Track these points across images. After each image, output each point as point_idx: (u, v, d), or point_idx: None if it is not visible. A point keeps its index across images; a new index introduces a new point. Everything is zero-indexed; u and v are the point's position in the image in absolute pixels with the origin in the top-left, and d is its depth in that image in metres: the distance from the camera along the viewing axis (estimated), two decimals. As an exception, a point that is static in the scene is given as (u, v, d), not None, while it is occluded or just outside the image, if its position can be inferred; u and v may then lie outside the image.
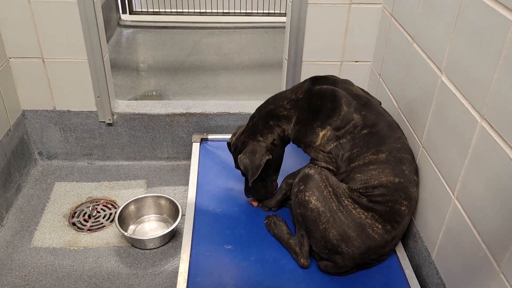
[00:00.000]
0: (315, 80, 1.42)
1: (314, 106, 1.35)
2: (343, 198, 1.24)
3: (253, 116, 1.47)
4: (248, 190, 1.52)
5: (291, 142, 1.44)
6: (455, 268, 1.15)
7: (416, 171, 1.32)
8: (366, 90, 1.85)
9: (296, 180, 1.31)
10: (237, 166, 1.51)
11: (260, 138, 1.41)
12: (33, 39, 1.73)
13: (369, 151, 1.27)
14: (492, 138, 0.99)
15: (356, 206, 1.24)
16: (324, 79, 1.42)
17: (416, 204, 1.35)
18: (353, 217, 1.23)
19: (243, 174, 1.50)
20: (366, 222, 1.23)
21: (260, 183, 1.48)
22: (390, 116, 1.39)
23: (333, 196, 1.24)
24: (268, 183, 1.50)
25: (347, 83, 1.43)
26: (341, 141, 1.32)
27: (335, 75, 1.48)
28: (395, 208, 1.24)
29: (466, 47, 1.09)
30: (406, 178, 1.26)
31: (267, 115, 1.42)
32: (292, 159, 1.58)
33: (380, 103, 1.49)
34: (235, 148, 1.49)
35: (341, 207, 1.23)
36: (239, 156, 1.43)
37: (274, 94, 1.48)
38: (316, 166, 1.31)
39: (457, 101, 1.13)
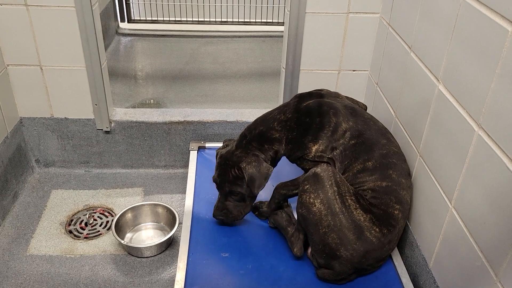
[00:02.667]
0: (301, 97, 1.45)
1: (304, 123, 1.37)
2: (346, 197, 1.25)
3: (244, 135, 1.43)
4: (220, 210, 1.45)
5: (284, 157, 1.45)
6: (452, 277, 1.15)
7: (405, 175, 1.33)
8: (363, 99, 1.88)
9: (304, 178, 1.31)
10: (216, 179, 1.44)
11: (257, 153, 1.40)
12: (31, 47, 1.74)
13: (357, 161, 1.32)
14: (489, 147, 0.99)
15: (357, 206, 1.25)
16: (310, 95, 1.45)
17: (409, 208, 1.36)
18: (353, 219, 1.24)
19: (218, 187, 1.44)
20: (364, 224, 1.24)
21: (238, 203, 1.44)
22: (378, 122, 1.42)
23: (337, 197, 1.24)
24: (247, 204, 1.45)
25: (332, 95, 1.46)
26: (334, 153, 1.35)
27: (322, 88, 1.50)
28: (388, 211, 1.26)
29: (463, 56, 1.10)
30: (394, 182, 1.29)
31: (259, 137, 1.40)
32: (288, 168, 1.58)
33: (366, 108, 1.53)
34: (225, 160, 1.41)
35: (343, 208, 1.24)
36: (243, 166, 1.36)
37: (262, 114, 1.47)
38: (323, 164, 1.30)
39: (454, 110, 1.14)
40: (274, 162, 1.45)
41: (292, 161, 1.44)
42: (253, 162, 1.37)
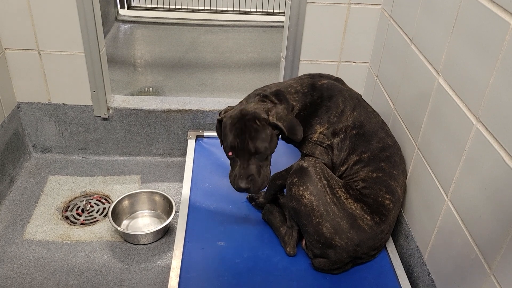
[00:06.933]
0: (313, 76, 1.44)
1: (315, 104, 1.36)
2: (336, 189, 1.27)
3: (256, 93, 1.34)
4: (246, 178, 1.25)
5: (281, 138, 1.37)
6: (446, 269, 1.16)
7: (398, 167, 1.34)
8: (362, 91, 1.87)
9: (291, 172, 1.32)
10: (232, 143, 1.25)
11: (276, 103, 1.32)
12: (29, 31, 1.72)
13: (355, 153, 1.33)
14: (487, 141, 0.99)
15: (348, 196, 1.27)
16: (321, 76, 1.44)
17: (402, 200, 1.37)
18: (345, 208, 1.25)
19: (237, 152, 1.25)
20: (356, 213, 1.25)
21: (261, 163, 1.27)
22: (378, 115, 1.43)
23: (327, 189, 1.25)
24: (267, 163, 1.30)
25: (339, 82, 1.46)
26: (335, 140, 1.35)
27: (329, 73, 1.49)
28: (378, 200, 1.28)
29: (464, 50, 1.10)
30: (385, 173, 1.30)
31: (277, 95, 1.33)
32: (285, 159, 1.58)
33: (360, 96, 1.46)
34: (240, 118, 1.25)
35: (334, 199, 1.25)
36: (272, 114, 1.23)
37: (273, 83, 1.43)
38: (310, 159, 1.31)
39: (453, 103, 1.14)
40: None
41: (290, 141, 1.38)
42: (282, 109, 1.25)
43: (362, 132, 1.34)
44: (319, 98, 1.36)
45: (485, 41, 1.01)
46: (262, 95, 1.34)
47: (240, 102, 1.37)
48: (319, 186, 1.25)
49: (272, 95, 1.34)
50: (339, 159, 1.35)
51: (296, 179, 1.28)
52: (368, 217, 1.26)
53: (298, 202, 1.26)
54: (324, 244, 1.26)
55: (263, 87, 1.41)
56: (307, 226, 1.27)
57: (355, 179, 1.31)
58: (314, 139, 1.35)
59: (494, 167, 0.96)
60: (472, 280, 1.03)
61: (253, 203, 1.55)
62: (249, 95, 1.38)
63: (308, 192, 1.25)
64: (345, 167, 1.34)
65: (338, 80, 1.47)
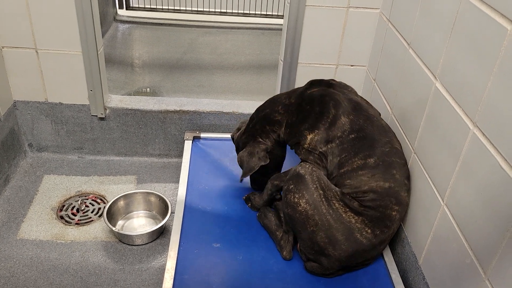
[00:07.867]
0: (312, 84, 1.43)
1: (304, 110, 1.37)
2: (333, 201, 1.24)
3: (252, 118, 1.50)
4: (253, 183, 1.60)
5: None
6: (441, 274, 1.16)
7: (407, 175, 1.32)
8: (360, 94, 1.87)
9: (287, 177, 1.30)
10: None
11: (260, 140, 1.45)
12: (27, 29, 1.72)
13: (357, 156, 1.27)
14: (483, 146, 0.99)
15: (347, 209, 1.23)
16: (320, 83, 1.43)
17: (407, 209, 1.35)
18: (342, 221, 1.23)
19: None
20: (355, 226, 1.23)
21: (262, 178, 1.54)
22: (382, 120, 1.39)
23: (323, 199, 1.23)
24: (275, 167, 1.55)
25: (342, 87, 1.43)
26: (329, 146, 1.31)
27: (334, 79, 1.48)
28: (385, 213, 1.24)
29: (462, 54, 1.10)
30: (397, 183, 1.26)
31: (263, 119, 1.45)
32: (288, 161, 1.58)
33: (380, 114, 1.45)
34: (237, 146, 1.55)
35: (330, 210, 1.23)
36: (239, 152, 1.48)
37: (273, 96, 1.51)
38: (308, 166, 1.29)
39: (450, 108, 1.14)
40: (279, 146, 1.48)
41: (290, 146, 1.44)
42: (247, 151, 1.45)
43: (362, 135, 1.29)
44: (307, 104, 1.36)
45: (483, 46, 1.01)
46: (254, 123, 1.48)
47: (247, 123, 1.52)
48: (315, 196, 1.23)
49: (259, 122, 1.46)
50: (335, 164, 1.30)
51: (292, 186, 1.26)
52: (369, 230, 1.24)
53: (293, 209, 1.26)
54: (317, 252, 1.26)
55: (260, 108, 1.49)
56: (302, 233, 1.26)
57: (364, 188, 1.24)
58: (305, 145, 1.34)
59: (490, 173, 0.96)
60: (467, 285, 1.03)
61: (249, 204, 1.55)
62: (250, 118, 1.51)
63: (304, 201, 1.23)
64: (345, 169, 1.28)
65: (342, 85, 1.43)
